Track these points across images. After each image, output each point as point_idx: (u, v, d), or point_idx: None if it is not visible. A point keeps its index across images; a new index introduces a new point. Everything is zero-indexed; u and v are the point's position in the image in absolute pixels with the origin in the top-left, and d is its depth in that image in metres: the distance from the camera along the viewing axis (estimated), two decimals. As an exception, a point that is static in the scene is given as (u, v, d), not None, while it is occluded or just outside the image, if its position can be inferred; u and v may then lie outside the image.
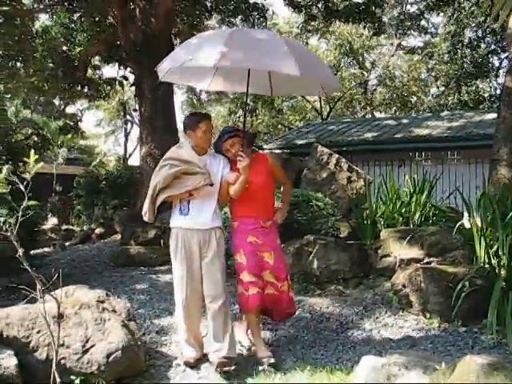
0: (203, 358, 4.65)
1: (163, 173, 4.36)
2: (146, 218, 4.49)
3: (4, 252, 5.68)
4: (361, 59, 29.54)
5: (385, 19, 18.54)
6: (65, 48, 14.38)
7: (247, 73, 4.62)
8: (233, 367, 4.41)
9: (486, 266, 5.78)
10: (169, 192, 4.36)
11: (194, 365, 4.56)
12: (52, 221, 17.25)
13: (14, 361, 3.71)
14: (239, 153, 4.42)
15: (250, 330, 4.88)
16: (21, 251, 3.40)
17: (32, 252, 8.34)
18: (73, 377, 4.00)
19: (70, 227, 15.92)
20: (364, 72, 29.87)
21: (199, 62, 4.37)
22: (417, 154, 12.73)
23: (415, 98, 27.88)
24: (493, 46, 22.80)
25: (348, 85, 29.11)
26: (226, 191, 4.56)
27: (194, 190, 4.34)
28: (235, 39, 4.39)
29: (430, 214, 7.95)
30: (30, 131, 15.17)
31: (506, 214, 6.09)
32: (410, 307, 5.87)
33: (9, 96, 16.51)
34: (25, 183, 3.40)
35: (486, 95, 25.09)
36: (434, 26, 26.47)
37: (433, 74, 26.55)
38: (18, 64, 14.77)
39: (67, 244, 12.61)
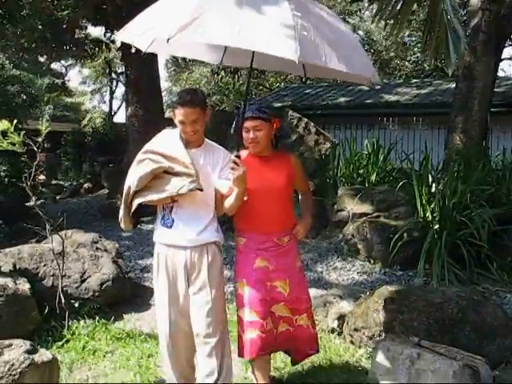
0: None
1: (139, 171, 3.25)
2: (122, 226, 3.45)
3: (14, 202, 6.65)
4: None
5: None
6: (52, 7, 14.87)
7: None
8: None
9: (421, 220, 6.78)
10: (146, 196, 3.24)
11: None
12: (41, 176, 18.01)
13: (27, 285, 4.67)
14: (232, 157, 3.17)
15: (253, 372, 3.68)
16: (34, 199, 4.31)
17: (26, 204, 9.21)
18: (73, 301, 4.98)
19: (60, 182, 16.73)
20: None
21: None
22: (385, 119, 13.64)
23: (395, 63, 28.58)
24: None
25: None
26: (220, 201, 3.35)
27: (178, 196, 3.19)
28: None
29: (386, 174, 8.94)
30: (17, 88, 15.75)
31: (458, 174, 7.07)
32: (357, 254, 6.92)
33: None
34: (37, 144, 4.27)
35: (462, 62, 25.76)
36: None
37: (413, 39, 27.21)
38: (6, 24, 15.24)
39: (58, 197, 13.49)
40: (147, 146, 3.34)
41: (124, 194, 3.33)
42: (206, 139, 3.40)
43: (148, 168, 3.23)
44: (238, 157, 3.17)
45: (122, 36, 3.41)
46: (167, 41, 2.71)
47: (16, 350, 2.93)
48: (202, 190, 3.17)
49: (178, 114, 3.19)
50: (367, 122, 13.96)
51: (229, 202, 3.29)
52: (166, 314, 3.33)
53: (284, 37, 2.69)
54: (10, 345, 2.99)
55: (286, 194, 3.57)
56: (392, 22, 6.44)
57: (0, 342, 3.01)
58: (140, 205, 3.27)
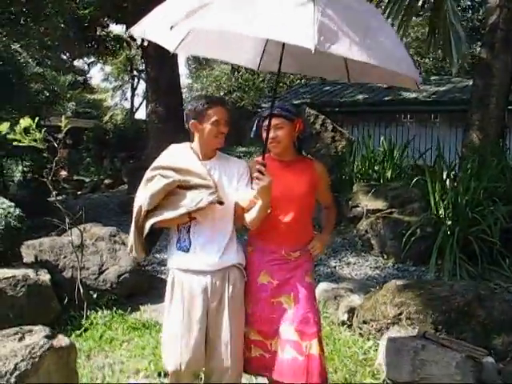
0: None
1: (149, 189, 2.94)
2: (133, 254, 3.09)
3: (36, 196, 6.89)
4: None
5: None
6: (74, 5, 15.15)
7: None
8: None
9: (434, 216, 6.86)
10: (159, 215, 2.91)
11: None
12: (63, 172, 18.35)
13: (48, 276, 4.87)
14: (257, 165, 2.85)
15: None
16: (54, 193, 4.49)
17: (48, 199, 9.44)
18: (91, 292, 5.17)
19: (81, 178, 17.03)
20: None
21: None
22: (403, 116, 13.69)
23: (415, 60, 28.45)
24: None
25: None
26: (240, 216, 3.01)
27: (196, 212, 2.88)
28: None
29: (403, 171, 9.01)
30: (40, 86, 16.05)
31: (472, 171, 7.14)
32: (371, 249, 7.02)
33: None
34: (57, 141, 4.46)
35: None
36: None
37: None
38: (30, 23, 15.56)
39: (79, 193, 13.76)
40: (155, 163, 3.04)
41: (134, 216, 2.98)
42: (218, 151, 3.11)
43: (159, 184, 2.91)
44: (264, 165, 2.83)
45: (136, 31, 3.14)
46: (170, 28, 2.54)
47: (36, 335, 3.10)
48: (222, 203, 2.87)
49: (213, 114, 2.92)
50: (385, 120, 14.03)
51: (251, 216, 2.92)
52: (177, 350, 2.91)
53: (300, 23, 2.42)
54: (31, 330, 3.15)
55: (305, 204, 3.15)
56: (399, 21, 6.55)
57: (21, 327, 3.18)
58: (153, 229, 2.93)
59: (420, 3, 7.84)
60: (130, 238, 3.05)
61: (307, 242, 3.17)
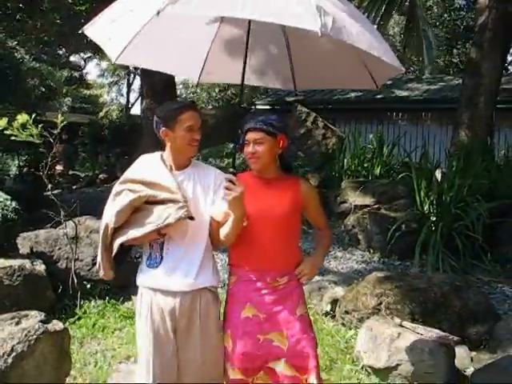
0: None
1: (116, 204, 2.69)
2: (101, 274, 2.88)
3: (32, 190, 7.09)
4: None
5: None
6: (71, 2, 15.26)
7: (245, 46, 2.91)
8: None
9: (419, 212, 7.06)
10: (127, 233, 2.66)
11: None
12: (58, 166, 18.52)
13: (43, 267, 5.07)
14: (227, 175, 2.64)
15: None
16: (50, 187, 4.67)
17: (44, 193, 9.62)
18: (85, 282, 5.36)
19: (76, 173, 17.20)
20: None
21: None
22: (394, 114, 13.89)
23: (409, 59, 28.65)
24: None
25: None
26: (216, 232, 2.75)
27: (166, 228, 2.63)
28: None
29: (391, 168, 9.22)
30: (36, 81, 16.18)
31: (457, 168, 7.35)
32: (358, 244, 7.23)
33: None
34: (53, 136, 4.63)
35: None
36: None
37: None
38: (26, 18, 15.67)
39: (74, 187, 13.94)
40: (124, 175, 2.79)
41: (101, 234, 2.74)
42: (192, 159, 2.86)
43: (126, 200, 2.66)
44: (234, 174, 2.63)
45: (89, 32, 2.85)
46: (157, 14, 2.22)
47: (32, 320, 3.30)
48: (192, 218, 2.61)
49: (186, 120, 2.68)
50: (377, 117, 14.22)
51: (224, 231, 2.67)
52: (150, 373, 2.72)
53: (299, 6, 2.24)
54: (27, 315, 3.35)
55: (290, 225, 2.85)
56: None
57: (18, 312, 3.39)
58: (122, 246, 2.67)
59: (394, 12, 8.16)
60: (98, 257, 2.80)
61: (295, 266, 2.85)
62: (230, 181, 2.55)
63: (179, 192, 2.64)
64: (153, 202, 2.65)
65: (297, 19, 2.21)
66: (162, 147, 2.82)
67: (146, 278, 2.74)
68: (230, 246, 2.83)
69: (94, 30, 2.82)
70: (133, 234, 2.61)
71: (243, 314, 2.75)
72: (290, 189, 2.85)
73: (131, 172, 2.79)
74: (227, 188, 2.53)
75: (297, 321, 2.77)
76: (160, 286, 2.68)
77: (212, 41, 3.29)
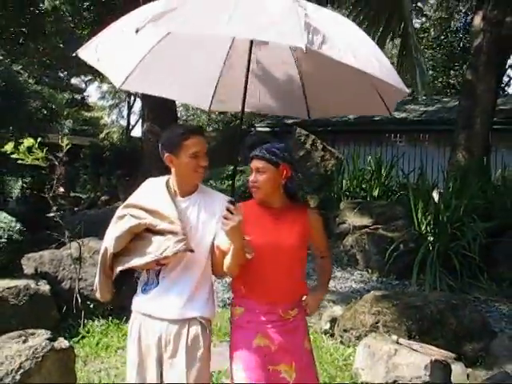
0: None
1: (117, 229, 2.64)
2: (97, 295, 2.81)
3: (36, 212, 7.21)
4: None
5: None
6: (72, 25, 15.54)
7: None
8: None
9: (417, 232, 7.18)
10: (126, 262, 2.61)
11: None
12: (60, 189, 18.62)
13: (47, 287, 5.16)
14: (226, 204, 2.48)
15: None
16: (54, 209, 4.79)
17: (47, 215, 9.74)
18: (88, 302, 5.45)
19: (78, 195, 17.29)
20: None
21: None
22: (392, 135, 14.06)
23: (406, 80, 28.96)
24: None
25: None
26: (219, 261, 2.64)
27: (164, 259, 2.56)
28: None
29: (389, 189, 9.36)
30: (38, 104, 16.38)
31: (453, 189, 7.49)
32: (356, 264, 7.34)
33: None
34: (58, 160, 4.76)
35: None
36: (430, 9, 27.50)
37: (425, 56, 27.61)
38: (30, 42, 15.96)
39: (76, 209, 14.04)
40: (128, 200, 2.73)
41: (100, 257, 2.69)
42: (201, 185, 2.75)
43: (126, 226, 2.59)
44: (233, 203, 2.46)
45: (85, 55, 2.74)
46: (136, 32, 2.12)
47: (39, 338, 3.40)
48: (192, 251, 2.53)
49: (191, 146, 2.56)
50: (376, 139, 14.38)
51: (226, 262, 2.56)
52: None
53: (286, 23, 2.19)
54: (34, 333, 3.46)
55: (297, 257, 2.77)
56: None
57: (25, 331, 3.49)
58: (122, 271, 2.62)
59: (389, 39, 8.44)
60: (96, 278, 2.75)
61: (301, 298, 2.81)
62: (228, 209, 2.40)
63: (179, 223, 2.54)
64: (152, 231, 2.58)
65: (282, 35, 2.17)
66: (164, 169, 2.73)
67: (138, 302, 2.69)
68: (235, 278, 2.75)
69: (88, 52, 2.71)
70: (134, 262, 2.55)
71: (255, 344, 2.67)
72: (297, 220, 2.77)
73: (135, 197, 2.73)
74: (225, 217, 2.40)
75: (305, 355, 2.77)
76: (150, 312, 2.61)
77: (222, 67, 3.18)
